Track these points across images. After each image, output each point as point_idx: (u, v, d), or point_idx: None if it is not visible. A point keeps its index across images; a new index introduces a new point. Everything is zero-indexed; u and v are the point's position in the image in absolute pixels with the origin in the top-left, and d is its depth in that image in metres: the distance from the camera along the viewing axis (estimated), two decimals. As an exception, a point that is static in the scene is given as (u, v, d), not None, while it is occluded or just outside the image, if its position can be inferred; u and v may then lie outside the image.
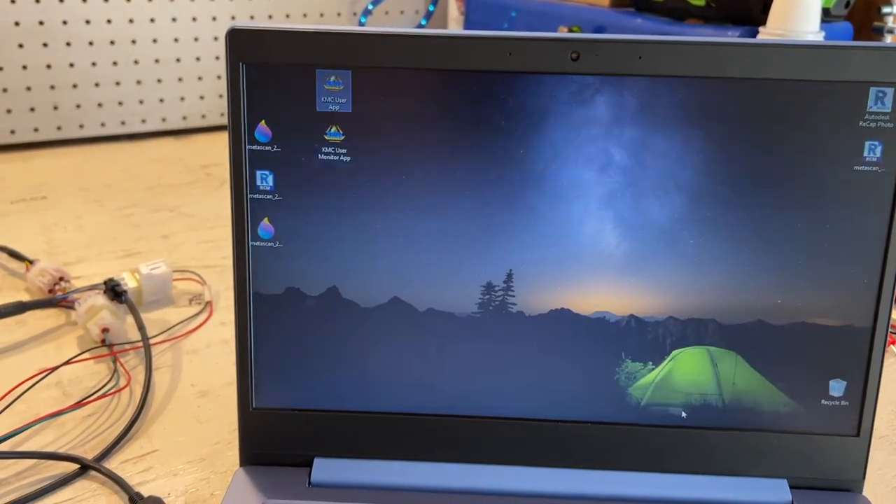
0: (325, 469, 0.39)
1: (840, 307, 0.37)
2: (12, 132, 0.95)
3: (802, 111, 0.35)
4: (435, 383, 0.39)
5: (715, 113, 0.35)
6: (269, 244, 0.38)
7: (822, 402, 0.38)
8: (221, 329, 0.56)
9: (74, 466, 0.41)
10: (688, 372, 0.38)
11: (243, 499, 0.37)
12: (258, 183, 0.37)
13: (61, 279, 0.59)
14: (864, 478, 0.38)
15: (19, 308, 0.54)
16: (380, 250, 0.37)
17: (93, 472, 0.41)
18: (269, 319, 0.38)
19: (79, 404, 0.45)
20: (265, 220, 0.37)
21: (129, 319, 0.55)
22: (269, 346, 0.39)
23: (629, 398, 0.38)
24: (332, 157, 0.37)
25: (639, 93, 0.35)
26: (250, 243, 0.37)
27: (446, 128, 0.36)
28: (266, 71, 0.36)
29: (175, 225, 0.76)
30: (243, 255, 0.38)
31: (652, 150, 0.36)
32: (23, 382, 0.46)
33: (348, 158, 0.37)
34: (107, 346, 0.51)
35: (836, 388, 0.38)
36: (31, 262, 0.62)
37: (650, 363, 0.38)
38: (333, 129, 0.36)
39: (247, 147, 0.36)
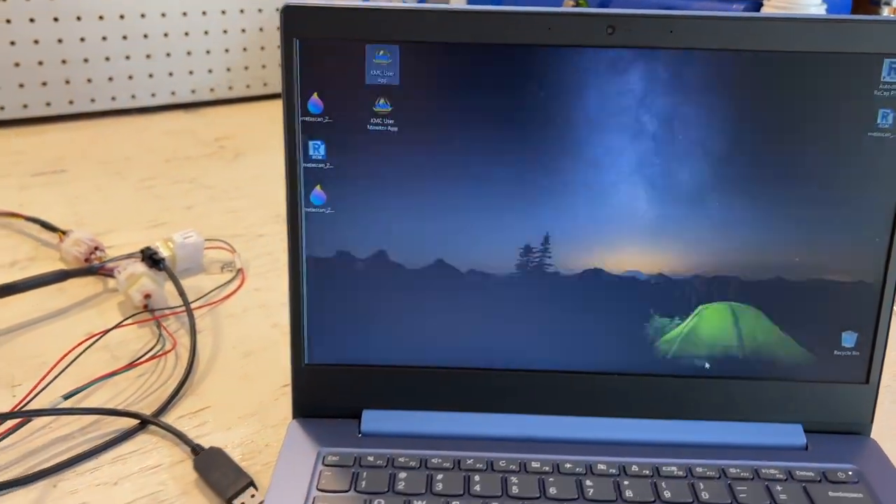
0: (374, 420, 0.42)
1: (853, 264, 0.40)
2: (25, 106, 0.96)
3: (821, 81, 0.38)
4: (476, 339, 0.41)
5: (740, 83, 0.38)
6: (321, 210, 0.40)
7: (836, 352, 0.41)
8: (256, 294, 0.59)
9: (134, 422, 0.44)
10: (712, 326, 0.41)
11: (299, 448, 0.40)
12: (311, 152, 0.39)
13: (96, 249, 0.61)
14: (872, 422, 0.42)
15: (61, 276, 0.56)
16: (425, 215, 0.40)
17: (152, 427, 0.44)
18: (320, 281, 0.41)
19: (131, 365, 0.48)
20: (317, 188, 0.40)
21: (166, 286, 0.57)
22: (321, 305, 0.41)
23: (657, 351, 0.41)
24: (380, 128, 0.39)
25: (669, 65, 0.38)
26: (303, 209, 0.40)
27: (488, 98, 0.38)
28: (318, 46, 0.38)
29: (196, 196, 0.78)
30: (296, 221, 0.40)
31: (680, 119, 0.38)
32: (78, 345, 0.48)
33: (396, 128, 0.39)
34: (149, 311, 0.54)
35: (849, 339, 0.41)
36: (64, 232, 0.63)
37: (677, 318, 0.41)
38: (382, 100, 0.38)
39: (300, 118, 0.39)
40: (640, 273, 0.40)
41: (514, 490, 0.38)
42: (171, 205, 0.75)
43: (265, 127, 1.00)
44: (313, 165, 0.39)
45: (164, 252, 0.59)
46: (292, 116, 0.39)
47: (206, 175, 0.83)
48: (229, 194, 0.78)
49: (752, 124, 0.38)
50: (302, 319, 0.41)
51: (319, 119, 0.39)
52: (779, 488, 0.38)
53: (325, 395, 0.42)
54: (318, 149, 0.39)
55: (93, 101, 0.99)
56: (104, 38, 0.97)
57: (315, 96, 0.38)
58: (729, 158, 0.39)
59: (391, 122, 0.39)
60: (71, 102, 0.98)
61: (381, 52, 0.38)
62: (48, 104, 0.97)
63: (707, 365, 0.41)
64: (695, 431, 0.41)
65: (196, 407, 0.46)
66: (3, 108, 0.94)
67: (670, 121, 0.38)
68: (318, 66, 0.38)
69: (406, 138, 0.39)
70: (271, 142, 0.94)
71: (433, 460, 0.39)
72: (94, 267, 0.58)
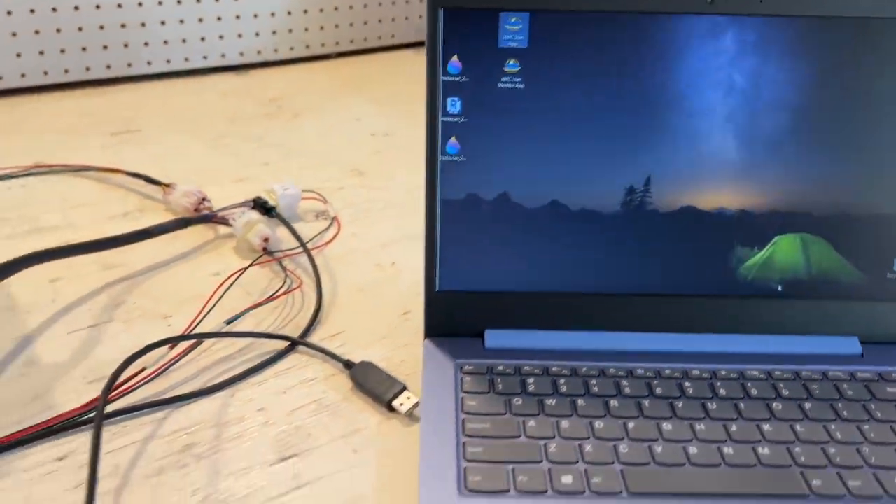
0: (496, 337, 0.49)
1: (906, 200, 0.47)
2: (87, 69, 1.00)
3: (886, 42, 0.44)
4: (584, 267, 0.48)
5: (818, 45, 0.44)
6: (455, 158, 0.46)
7: (888, 275, 0.48)
8: (353, 239, 0.65)
9: (284, 343, 0.50)
10: (785, 254, 0.48)
11: (438, 361, 0.47)
12: (448, 108, 0.45)
13: (204, 199, 0.67)
14: (916, 333, 0.49)
15: (183, 223, 0.62)
16: (543, 161, 0.46)
17: (301, 348, 0.50)
18: (451, 219, 0.47)
19: (271, 298, 0.54)
20: (453, 139, 0.46)
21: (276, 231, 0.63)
22: (452, 240, 0.48)
23: (738, 276, 0.48)
24: (508, 85, 0.45)
25: (759, 30, 0.44)
26: (440, 158, 0.46)
27: (603, 58, 0.45)
28: (459, 14, 0.44)
29: (268, 154, 0.83)
30: (434, 168, 0.46)
31: (766, 78, 0.45)
32: (226, 280, 0.54)
33: (522, 86, 0.45)
34: (269, 253, 0.60)
35: (899, 263, 0.48)
36: (168, 185, 0.69)
37: (756, 248, 0.48)
38: (512, 61, 0.45)
39: (441, 78, 0.45)
40: (726, 209, 0.47)
41: (627, 391, 0.45)
42: (247, 161, 0.81)
43: (314, 88, 1.06)
44: (450, 119, 0.46)
45: (268, 202, 0.66)
46: (434, 76, 0.45)
47: (272, 134, 0.89)
48: (299, 151, 0.84)
49: (827, 81, 0.45)
50: (436, 252, 0.48)
51: (457, 79, 0.45)
52: (845, 386, 0.46)
53: (453, 317, 0.49)
54: (454, 105, 0.45)
55: (149, 63, 1.04)
56: (160, 3, 1.02)
57: (454, 58, 0.45)
58: (806, 111, 0.45)
59: (519, 80, 0.45)
60: (129, 65, 1.03)
61: (514, 19, 0.44)
62: (108, 66, 1.01)
63: (780, 287, 0.49)
64: (769, 343, 0.49)
65: (332, 332, 0.53)
66: (67, 71, 0.99)
67: (758, 79, 0.45)
68: (458, 31, 0.44)
69: (531, 94, 0.45)
70: (324, 103, 0.99)
71: (553, 369, 0.47)
72: (209, 215, 0.64)
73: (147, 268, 0.60)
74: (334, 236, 0.65)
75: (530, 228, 0.48)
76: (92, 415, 0.44)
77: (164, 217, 0.68)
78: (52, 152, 0.81)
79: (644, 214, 0.47)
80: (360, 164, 0.81)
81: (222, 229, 0.65)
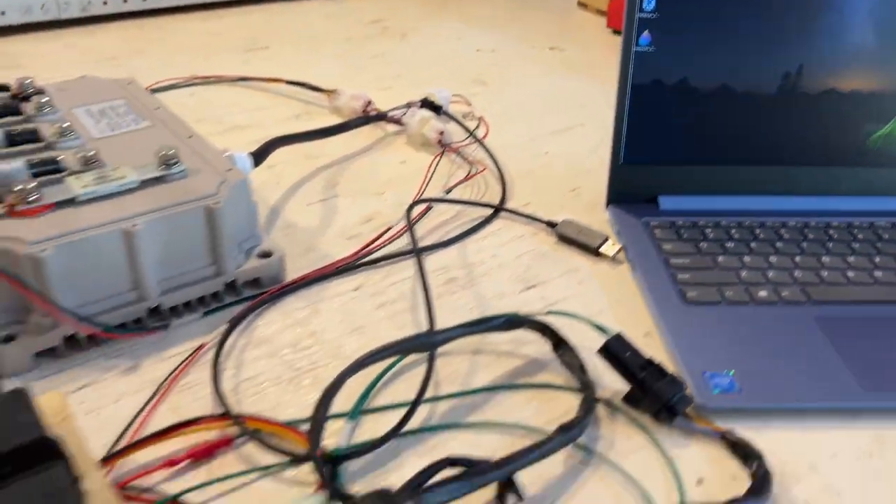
0: (668, 202, 0.59)
1: None
2: (200, -6, 1.07)
3: None
4: (744, 141, 0.59)
5: (946, -48, 0.54)
6: (646, 49, 0.56)
7: None
8: (501, 136, 0.75)
9: (488, 211, 0.61)
10: (905, 128, 0.59)
11: (626, 219, 0.58)
12: (644, 6, 0.55)
13: (369, 102, 0.76)
14: None
15: (365, 121, 0.72)
16: (717, 52, 0.56)
17: (503, 213, 0.61)
18: (638, 102, 0.57)
19: (469, 177, 0.64)
20: (645, 32, 0.56)
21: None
22: (637, 120, 0.58)
23: (867, 147, 0.59)
24: (694, -13, 0.55)
25: (899, -61, 0.54)
26: (634, 49, 0.56)
27: (772, -35, 0.54)
28: (658, -74, 0.53)
29: (396, 68, 0.92)
30: (628, 57, 0.56)
31: (903, -21, 0.55)
32: (434, 159, 0.65)
33: (705, -13, 0.55)
34: (444, 145, 0.70)
35: None
36: (332, 91, 0.78)
37: (883, 122, 0.58)
38: (698, -33, 0.54)
39: (640, -19, 0.54)
40: (860, 91, 0.58)
41: (786, 236, 0.56)
42: (381, 74, 0.90)
43: (406, 12, 1.13)
44: (645, 16, 0.55)
45: (429, 103, 0.75)
46: (635, -21, 0.54)
47: (389, 52, 0.97)
48: (421, 66, 0.93)
49: (949, -18, 0.55)
50: (623, 130, 0.58)
51: (653, -19, 0.54)
52: (956, 231, 0.57)
53: (632, 185, 0.60)
54: (650, 3, 0.55)
55: (253, -11, 1.11)
56: (264, -70, 1.08)
57: (652, -36, 0.54)
58: (931, 7, 0.56)
59: (703, -18, 0.55)
60: (236, -10, 1.10)
61: (702, -69, 0.53)
62: (218, -8, 1.09)
63: (899, 157, 0.60)
64: (888, 203, 0.60)
65: (521, 203, 0.63)
66: (184, -4, 1.06)
67: (895, -20, 0.55)
68: (656, -59, 0.53)
69: (711, -5, 0.55)
70: (422, 24, 1.08)
71: (722, 222, 0.57)
72: (383, 114, 0.73)
73: (342, 158, 0.69)
74: (486, 133, 0.75)
75: (702, 108, 0.58)
76: (365, 259, 0.54)
77: (331, 119, 0.77)
78: (197, 67, 0.89)
79: (796, 97, 0.58)
80: (480, 75, 0.90)
81: (390, 127, 0.75)
